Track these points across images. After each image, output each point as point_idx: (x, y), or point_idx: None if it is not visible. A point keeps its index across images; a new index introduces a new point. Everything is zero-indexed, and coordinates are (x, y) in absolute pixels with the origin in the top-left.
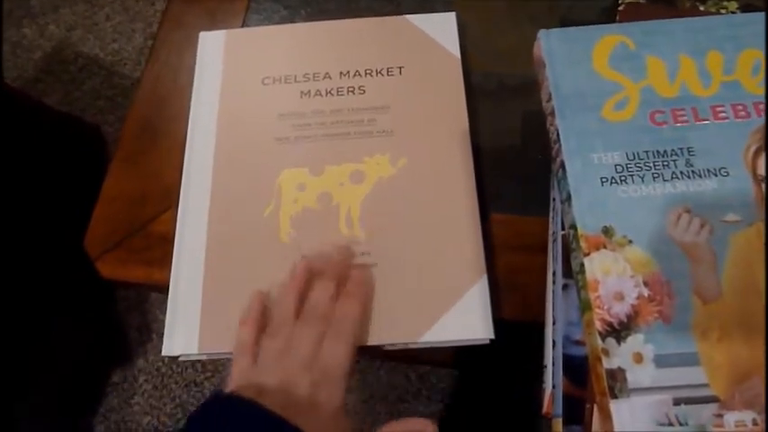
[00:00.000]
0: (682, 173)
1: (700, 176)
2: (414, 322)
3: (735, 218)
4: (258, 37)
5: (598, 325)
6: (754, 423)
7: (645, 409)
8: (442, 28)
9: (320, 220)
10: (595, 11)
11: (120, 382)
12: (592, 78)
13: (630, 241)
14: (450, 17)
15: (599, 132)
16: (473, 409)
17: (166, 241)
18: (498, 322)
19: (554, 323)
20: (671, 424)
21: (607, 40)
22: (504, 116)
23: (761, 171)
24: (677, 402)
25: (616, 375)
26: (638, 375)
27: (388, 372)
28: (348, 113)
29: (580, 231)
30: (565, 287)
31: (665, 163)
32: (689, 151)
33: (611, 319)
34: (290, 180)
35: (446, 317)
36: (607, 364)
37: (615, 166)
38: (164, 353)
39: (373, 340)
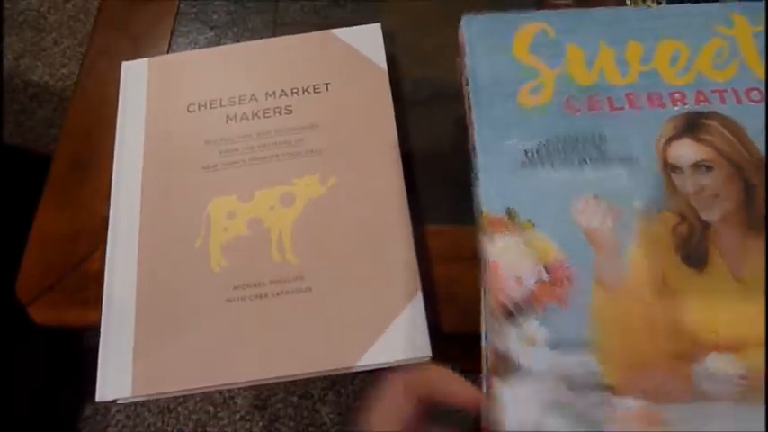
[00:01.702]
0: (592, 159)
1: (610, 164)
2: (350, 346)
3: (640, 205)
4: (182, 63)
5: (494, 306)
6: (642, 410)
7: (534, 393)
8: (368, 40)
9: (251, 248)
10: (527, 6)
11: (92, 415)
12: (509, 64)
13: (534, 225)
14: (376, 28)
15: (512, 117)
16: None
17: (100, 280)
18: (438, 336)
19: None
20: (559, 408)
21: (529, 27)
22: (437, 124)
23: (672, 160)
24: (568, 387)
25: (507, 357)
26: (530, 358)
27: (360, 381)
28: (276, 135)
29: (484, 213)
30: None
31: (576, 149)
32: (601, 138)
33: (508, 302)
34: (218, 209)
35: (383, 338)
36: (499, 345)
37: (525, 151)
38: (97, 398)
39: (309, 368)
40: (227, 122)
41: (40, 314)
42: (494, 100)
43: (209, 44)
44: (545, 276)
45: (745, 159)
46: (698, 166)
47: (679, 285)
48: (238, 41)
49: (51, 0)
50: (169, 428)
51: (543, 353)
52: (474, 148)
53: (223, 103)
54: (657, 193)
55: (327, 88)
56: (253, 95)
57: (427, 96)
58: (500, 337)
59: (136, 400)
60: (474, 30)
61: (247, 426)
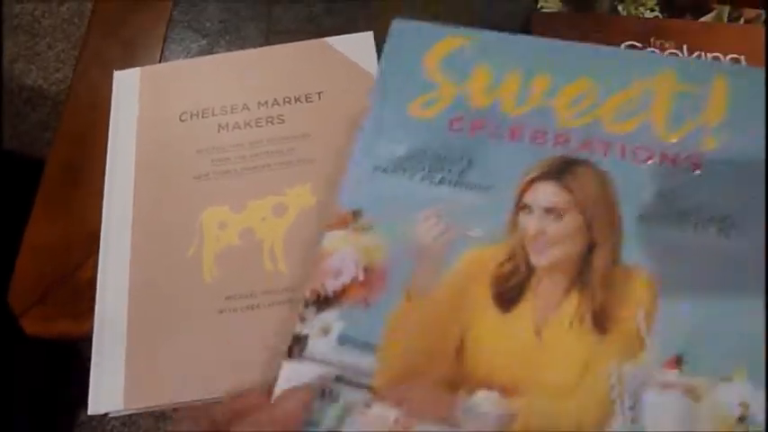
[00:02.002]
0: (451, 180)
1: (466, 188)
2: None
3: (478, 234)
4: (174, 72)
5: (307, 293)
6: (395, 421)
7: (308, 376)
8: (361, 48)
9: (244, 258)
10: (515, 20)
11: (88, 420)
12: (413, 74)
13: (372, 228)
14: (368, 37)
15: (396, 124)
16: None
17: (92, 290)
18: None
19: None
20: (323, 397)
21: (447, 42)
22: None
23: (527, 200)
24: (338, 379)
25: (300, 340)
26: (318, 346)
27: None
28: (267, 144)
29: (336, 205)
30: None
31: (441, 167)
32: (468, 162)
33: (320, 291)
34: (211, 219)
35: None
36: (298, 328)
37: (395, 157)
38: (90, 412)
39: None
40: (219, 132)
41: (32, 326)
42: (386, 104)
43: (202, 52)
44: (361, 277)
45: (599, 217)
46: (549, 210)
47: (478, 319)
48: (231, 49)
49: (46, 4)
50: None
51: (330, 344)
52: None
53: (215, 113)
54: (498, 227)
55: (320, 97)
56: (245, 105)
57: None
58: (302, 322)
59: (128, 413)
60: (396, 33)
61: None
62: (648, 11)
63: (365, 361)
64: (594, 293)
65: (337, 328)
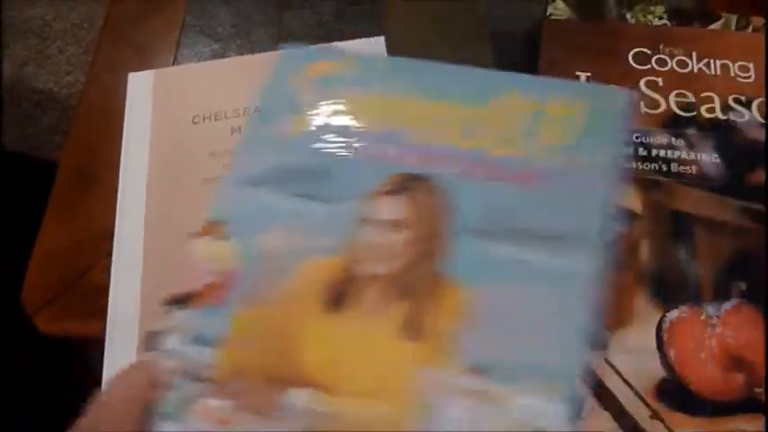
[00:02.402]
0: (305, 193)
1: (317, 201)
2: None
3: (322, 244)
4: (188, 74)
5: (168, 294)
6: (224, 413)
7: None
8: (372, 53)
9: None
10: (526, 23)
11: None
12: (288, 95)
13: (231, 236)
14: (379, 41)
15: (266, 141)
16: None
17: (105, 291)
18: None
19: None
20: (168, 388)
21: (319, 65)
22: None
23: (371, 212)
24: (184, 373)
25: (155, 336)
26: (170, 342)
27: None
28: None
29: (205, 216)
30: None
31: (299, 180)
32: (323, 177)
33: (177, 293)
34: None
35: None
36: (154, 326)
37: (261, 171)
38: None
39: None
40: (231, 134)
41: (45, 325)
42: (258, 122)
43: (214, 56)
44: (215, 281)
45: (434, 230)
46: (388, 223)
47: (311, 323)
48: (242, 53)
49: (56, 8)
50: None
51: (180, 341)
52: None
53: (228, 115)
54: (341, 237)
55: None
56: (257, 108)
57: None
58: (159, 320)
59: None
60: (281, 57)
61: None
62: (657, 18)
63: (209, 356)
64: (416, 302)
65: (189, 327)
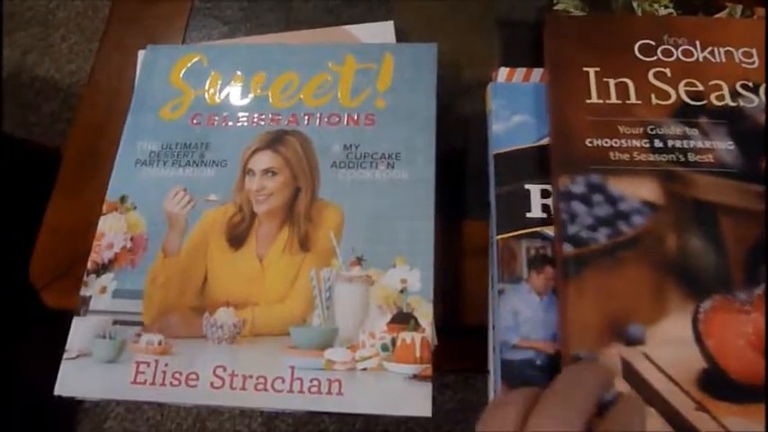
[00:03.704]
0: (194, 162)
1: (205, 166)
2: None
3: (214, 198)
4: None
5: (89, 265)
6: (159, 343)
7: (91, 325)
8: (381, 37)
9: None
10: (533, 12)
11: (92, 407)
12: (163, 85)
13: (135, 208)
14: (389, 26)
15: (150, 126)
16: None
17: None
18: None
19: (493, 328)
20: (104, 337)
21: (188, 57)
22: (442, 120)
23: (250, 166)
24: (114, 323)
25: (85, 300)
26: (97, 302)
27: None
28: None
29: (106, 197)
30: (501, 291)
31: (186, 153)
32: (206, 146)
33: (98, 261)
34: None
35: None
36: (82, 292)
37: (150, 152)
38: None
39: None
40: None
41: (52, 298)
42: (142, 111)
43: (222, 38)
44: (129, 245)
45: (303, 169)
46: (266, 171)
47: (216, 260)
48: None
49: None
50: (168, 422)
51: (107, 299)
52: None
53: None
54: (229, 190)
55: None
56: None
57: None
58: (86, 287)
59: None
60: (149, 55)
61: (247, 422)
62: (662, 8)
63: (134, 306)
64: (299, 225)
65: (112, 286)
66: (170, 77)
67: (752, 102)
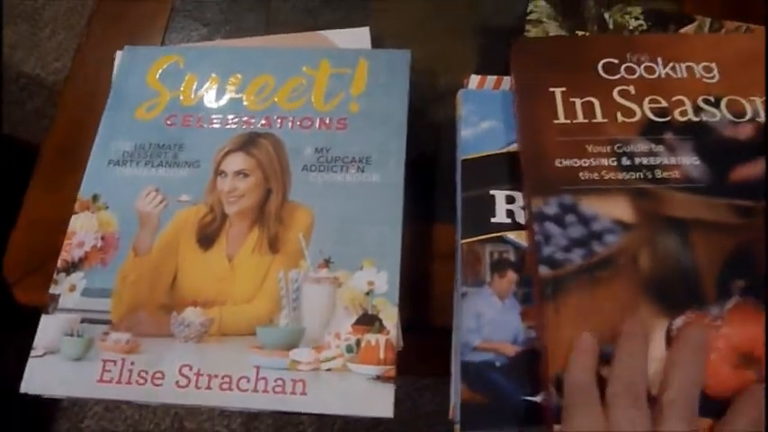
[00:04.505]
0: (167, 162)
1: (179, 166)
2: None
3: (186, 198)
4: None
5: (60, 263)
6: (127, 342)
7: (59, 323)
8: (357, 43)
9: None
10: (510, 19)
11: (70, 406)
12: (139, 86)
13: (107, 207)
14: (364, 32)
15: (124, 126)
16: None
17: None
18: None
19: (457, 330)
20: (72, 334)
21: (164, 59)
22: (414, 125)
23: (222, 167)
24: (83, 320)
25: (54, 298)
26: (66, 300)
27: None
28: None
29: (78, 196)
30: (464, 294)
31: (159, 154)
32: (179, 147)
33: (68, 259)
34: None
35: None
36: (51, 289)
37: (124, 152)
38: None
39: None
40: None
41: (25, 294)
42: (117, 111)
43: (201, 40)
44: (99, 244)
45: (275, 171)
46: (238, 173)
47: (187, 259)
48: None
49: None
50: (146, 422)
51: (76, 297)
52: None
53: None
54: (201, 190)
55: None
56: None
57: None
58: (55, 285)
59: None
60: (126, 56)
61: (225, 422)
62: (634, 19)
63: (103, 304)
64: (269, 226)
65: (82, 284)
66: (146, 78)
67: (714, 116)
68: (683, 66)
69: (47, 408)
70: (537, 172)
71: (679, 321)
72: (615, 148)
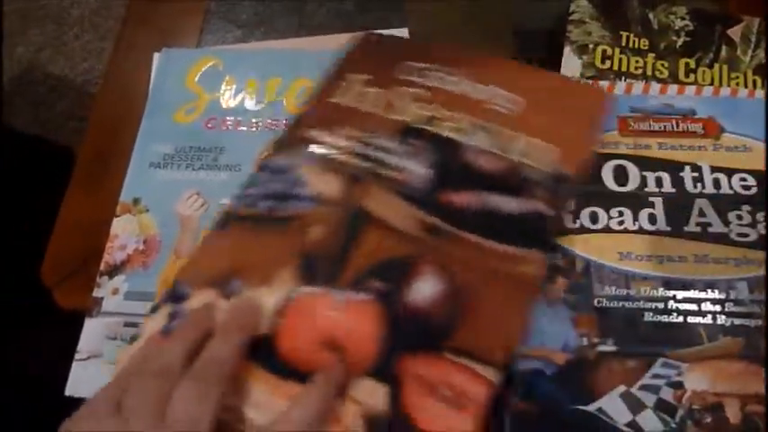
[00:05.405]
0: (208, 165)
1: (219, 169)
2: None
3: (227, 202)
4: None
5: (102, 266)
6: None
7: (103, 327)
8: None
9: None
10: (549, 20)
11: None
12: (178, 89)
13: (148, 210)
14: (403, 33)
15: (165, 129)
16: None
17: None
18: None
19: None
20: (115, 338)
21: (203, 61)
22: None
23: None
24: (126, 324)
25: (97, 301)
26: (109, 303)
27: None
28: None
29: (120, 199)
30: None
31: (200, 157)
32: (220, 150)
33: (111, 262)
34: None
35: None
36: (95, 293)
37: (164, 155)
38: None
39: None
40: None
41: (64, 298)
42: (157, 114)
43: (236, 42)
44: (141, 247)
45: None
46: None
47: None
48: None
49: None
50: None
51: (119, 301)
52: None
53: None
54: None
55: None
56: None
57: None
58: (98, 288)
59: None
60: (163, 59)
61: None
62: (679, 19)
63: (146, 307)
64: None
65: (124, 288)
66: (185, 81)
67: (469, 139)
68: (477, 86)
69: (52, 404)
70: (292, 132)
71: (302, 291)
72: (363, 135)
